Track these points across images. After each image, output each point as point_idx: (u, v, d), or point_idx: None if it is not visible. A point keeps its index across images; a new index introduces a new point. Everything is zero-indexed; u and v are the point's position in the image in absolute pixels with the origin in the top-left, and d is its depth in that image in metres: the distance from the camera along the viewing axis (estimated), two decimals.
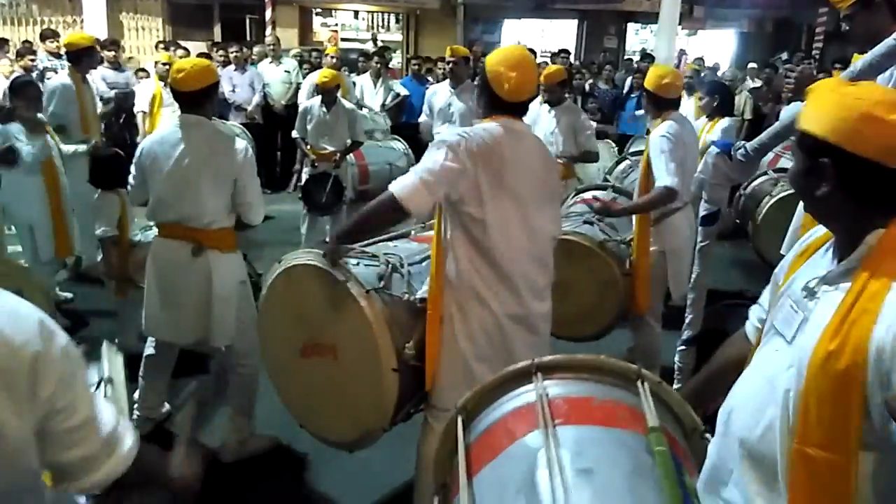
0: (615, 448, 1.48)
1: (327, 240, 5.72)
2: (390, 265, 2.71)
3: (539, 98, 5.45)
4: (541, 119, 5.52)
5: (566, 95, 5.54)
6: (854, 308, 1.22)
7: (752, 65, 9.97)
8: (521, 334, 2.57)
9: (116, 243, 3.93)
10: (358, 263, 2.68)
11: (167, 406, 3.60)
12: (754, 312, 1.71)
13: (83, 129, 5.42)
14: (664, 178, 3.52)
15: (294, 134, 6.21)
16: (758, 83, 9.28)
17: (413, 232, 3.17)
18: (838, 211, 1.32)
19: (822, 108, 1.31)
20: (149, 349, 3.45)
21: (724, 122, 5.12)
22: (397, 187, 2.37)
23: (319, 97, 5.94)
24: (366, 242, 2.93)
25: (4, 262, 3.42)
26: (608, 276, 3.71)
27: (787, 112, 5.89)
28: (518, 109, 2.57)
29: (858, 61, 2.53)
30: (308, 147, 6.05)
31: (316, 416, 2.82)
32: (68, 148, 5.00)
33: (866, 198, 1.27)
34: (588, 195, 4.58)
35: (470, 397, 1.78)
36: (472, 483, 1.54)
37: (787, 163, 5.72)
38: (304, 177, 6.10)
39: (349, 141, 5.99)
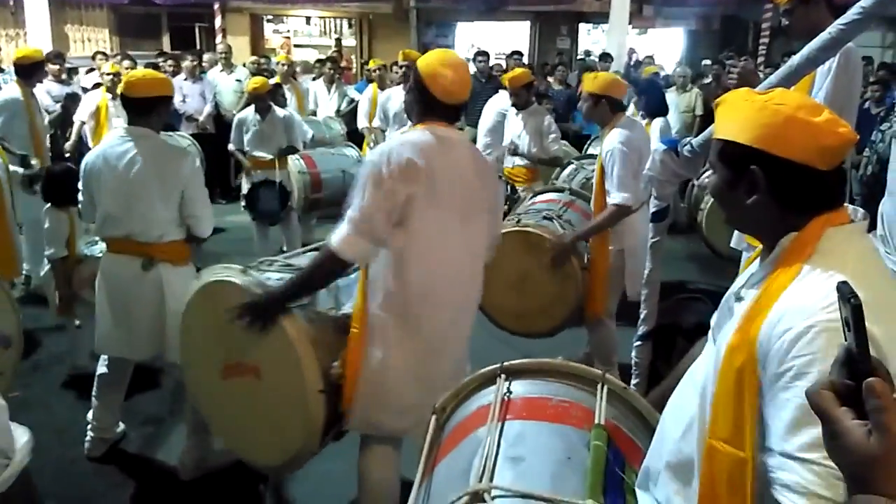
0: (553, 440, 1.60)
1: (284, 249, 5.74)
2: None
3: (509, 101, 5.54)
4: (509, 122, 5.58)
5: (533, 99, 5.59)
6: (755, 305, 1.24)
7: (705, 62, 10.17)
8: (441, 356, 2.47)
9: (65, 262, 3.86)
10: (281, 278, 2.57)
11: (122, 426, 3.52)
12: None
13: (32, 143, 5.31)
14: (615, 195, 3.61)
15: (230, 147, 6.12)
16: (707, 79, 9.46)
17: None
18: (764, 218, 1.31)
19: (742, 116, 1.30)
20: (101, 368, 3.38)
21: (658, 122, 5.23)
22: (335, 242, 2.28)
23: (253, 107, 5.87)
24: (292, 253, 2.87)
25: None
26: (567, 269, 3.73)
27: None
28: (451, 114, 2.44)
29: (796, 56, 2.58)
30: (246, 156, 5.98)
31: (242, 439, 2.71)
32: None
33: (791, 201, 1.27)
34: (544, 197, 4.62)
35: (447, 398, 1.94)
36: (432, 472, 1.70)
37: None
38: (246, 186, 6.02)
39: (286, 147, 5.92)
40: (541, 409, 1.73)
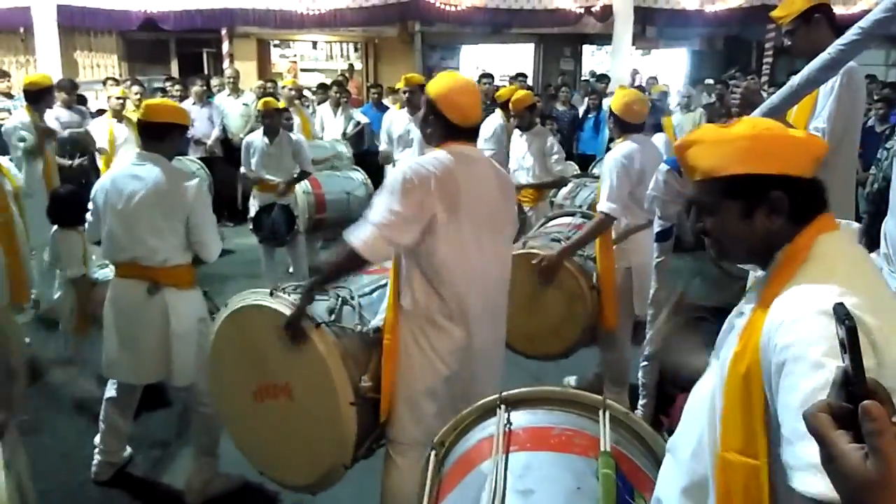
0: (560, 471, 1.57)
1: (290, 271, 5.76)
2: (340, 298, 2.69)
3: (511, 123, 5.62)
4: (513, 143, 5.64)
5: (536, 120, 5.65)
6: (755, 312, 1.28)
7: (708, 81, 10.22)
8: (474, 364, 2.58)
9: (82, 281, 3.93)
10: None
11: (129, 450, 3.53)
12: None
13: (42, 167, 5.37)
14: (602, 203, 3.65)
15: (242, 169, 6.15)
16: (711, 99, 9.50)
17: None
18: (771, 239, 1.34)
19: (738, 148, 1.33)
20: (109, 392, 3.39)
21: (659, 137, 5.27)
22: (355, 239, 2.37)
23: (261, 130, 5.92)
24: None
25: None
26: (574, 288, 3.73)
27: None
28: (471, 134, 2.58)
29: (796, 76, 2.59)
30: (254, 179, 6.01)
31: (274, 462, 2.74)
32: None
33: (800, 215, 1.32)
34: (556, 222, 4.62)
35: (446, 431, 1.91)
36: None
37: None
38: (253, 209, 6.05)
39: (296, 172, 5.94)
40: (544, 439, 1.71)
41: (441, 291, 2.46)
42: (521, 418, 1.79)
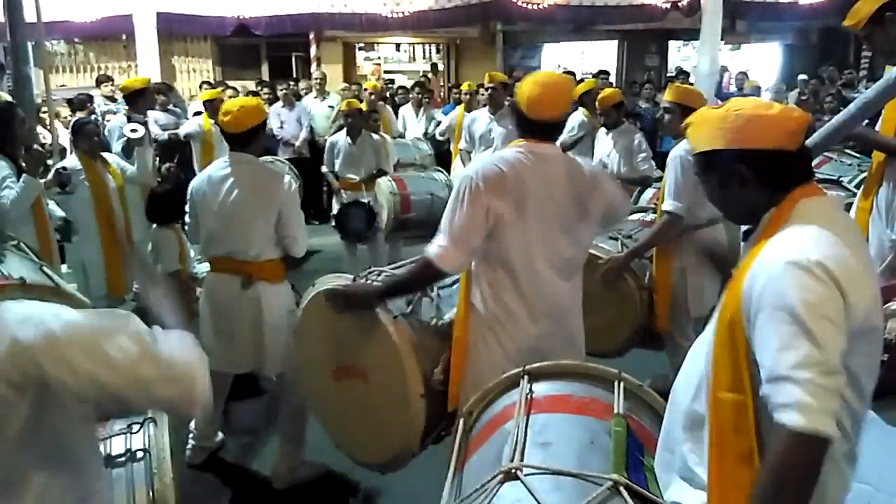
0: (576, 428, 1.78)
1: (373, 267, 5.89)
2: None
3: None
4: (599, 141, 5.61)
5: (623, 119, 5.60)
6: (740, 268, 1.46)
7: (801, 76, 9.85)
8: (545, 358, 2.49)
9: (177, 277, 4.12)
10: None
11: (220, 436, 3.70)
12: None
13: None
14: (667, 202, 3.49)
15: (324, 168, 6.37)
16: (804, 96, 9.13)
17: None
18: (755, 203, 1.51)
19: (710, 128, 1.53)
20: None
21: None
22: (432, 252, 2.41)
23: (344, 130, 6.07)
24: (399, 264, 2.97)
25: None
26: (624, 289, 3.70)
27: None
28: (545, 132, 2.52)
29: (894, 69, 2.50)
30: (337, 178, 6.21)
31: (348, 437, 2.84)
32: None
33: (775, 182, 1.48)
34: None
35: (474, 402, 2.10)
36: (463, 468, 1.86)
37: (830, 170, 5.67)
38: (336, 207, 6.24)
39: (375, 170, 6.09)
40: (563, 404, 1.89)
41: (507, 290, 2.48)
42: (543, 388, 1.95)
